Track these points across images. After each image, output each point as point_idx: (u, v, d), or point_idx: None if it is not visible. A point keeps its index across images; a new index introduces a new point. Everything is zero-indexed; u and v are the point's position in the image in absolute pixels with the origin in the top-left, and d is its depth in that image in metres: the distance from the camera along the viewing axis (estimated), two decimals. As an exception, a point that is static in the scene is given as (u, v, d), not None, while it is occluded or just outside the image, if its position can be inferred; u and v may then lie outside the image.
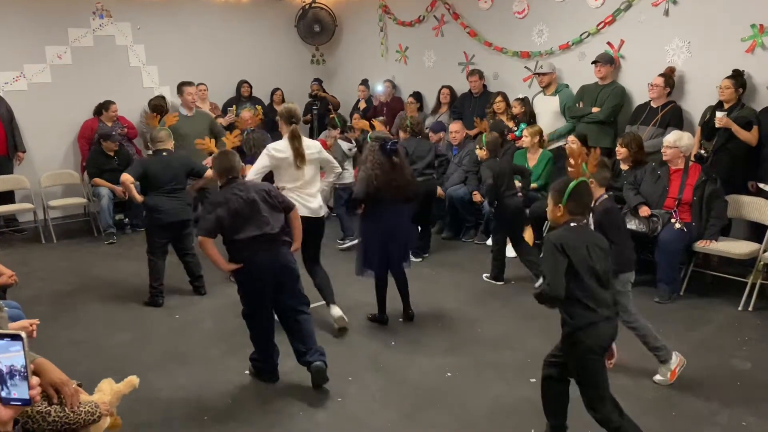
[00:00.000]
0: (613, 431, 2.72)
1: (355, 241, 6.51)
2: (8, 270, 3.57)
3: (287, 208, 3.69)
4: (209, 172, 5.17)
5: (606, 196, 3.58)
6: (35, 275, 5.75)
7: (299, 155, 4.23)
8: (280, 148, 4.26)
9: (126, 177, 4.84)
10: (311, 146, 4.42)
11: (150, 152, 5.33)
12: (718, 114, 4.92)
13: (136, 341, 4.37)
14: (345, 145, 6.68)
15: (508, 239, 5.31)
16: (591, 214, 3.44)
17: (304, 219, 4.04)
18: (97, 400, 2.46)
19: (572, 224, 2.71)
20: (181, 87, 6.68)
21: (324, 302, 4.53)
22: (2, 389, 1.23)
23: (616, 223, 3.51)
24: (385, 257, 4.37)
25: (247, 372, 3.82)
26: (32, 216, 7.33)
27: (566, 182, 2.76)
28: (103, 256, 6.46)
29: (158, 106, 7.67)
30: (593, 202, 3.50)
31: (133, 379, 2.72)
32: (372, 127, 5.66)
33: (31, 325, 2.67)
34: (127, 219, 7.44)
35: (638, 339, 3.60)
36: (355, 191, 4.31)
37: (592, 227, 3.43)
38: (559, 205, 2.73)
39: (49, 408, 2.20)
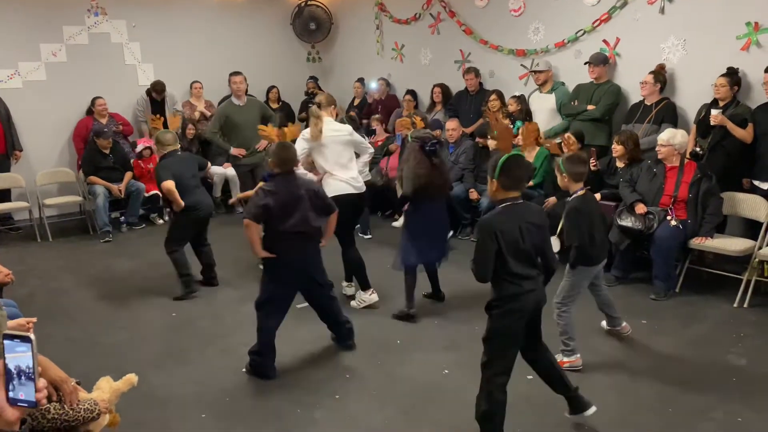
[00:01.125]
0: (486, 397, 2.87)
1: (369, 236, 6.61)
2: (5, 268, 3.55)
3: (330, 210, 3.93)
4: (210, 166, 5.37)
5: (580, 192, 3.60)
6: (31, 274, 5.74)
7: (316, 132, 4.58)
8: (308, 131, 4.66)
9: (170, 184, 4.83)
10: (342, 129, 4.76)
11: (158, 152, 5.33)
12: (713, 112, 4.94)
13: (133, 339, 4.36)
14: None
15: None
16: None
17: (348, 196, 4.53)
18: (95, 398, 2.46)
19: (506, 203, 2.80)
20: (229, 78, 6.76)
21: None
22: (10, 390, 1.24)
23: (578, 223, 3.56)
24: (425, 253, 4.53)
25: (243, 370, 3.82)
26: (27, 214, 7.30)
27: (499, 157, 2.83)
28: (99, 254, 6.45)
29: (159, 84, 7.81)
30: (569, 196, 3.64)
31: (132, 377, 2.72)
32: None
33: (27, 323, 2.67)
34: (123, 217, 7.42)
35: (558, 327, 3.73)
36: (404, 189, 4.45)
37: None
38: (493, 179, 2.82)
39: (48, 405, 2.20)
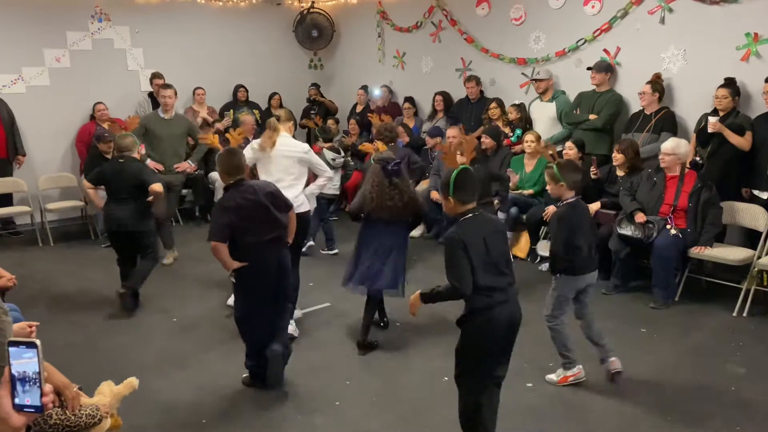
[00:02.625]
0: (465, 411, 2.84)
1: (335, 251, 6.42)
2: (7, 273, 3.57)
3: (287, 208, 3.77)
4: (157, 186, 4.88)
5: (571, 200, 3.57)
6: (32, 278, 5.74)
7: (268, 142, 4.43)
8: (257, 141, 4.52)
9: (84, 183, 4.92)
10: (297, 146, 4.58)
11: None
12: (711, 119, 4.96)
13: (134, 344, 4.37)
14: (329, 155, 6.43)
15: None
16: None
17: None
18: (97, 402, 2.48)
19: (467, 216, 2.78)
20: (158, 89, 6.58)
21: (326, 304, 4.56)
22: (16, 396, 1.25)
23: (564, 229, 3.52)
24: (368, 276, 4.24)
25: (243, 383, 3.76)
26: (29, 219, 7.32)
27: (449, 174, 2.81)
28: (100, 259, 6.43)
29: (158, 74, 7.79)
30: (560, 201, 3.60)
31: (133, 381, 2.73)
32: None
33: (30, 327, 2.68)
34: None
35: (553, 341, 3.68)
36: (351, 205, 4.39)
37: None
38: (449, 197, 2.80)
39: (50, 411, 2.22)
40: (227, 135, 4.92)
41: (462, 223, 2.77)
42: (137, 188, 4.87)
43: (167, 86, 6.49)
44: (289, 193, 4.34)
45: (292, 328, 4.32)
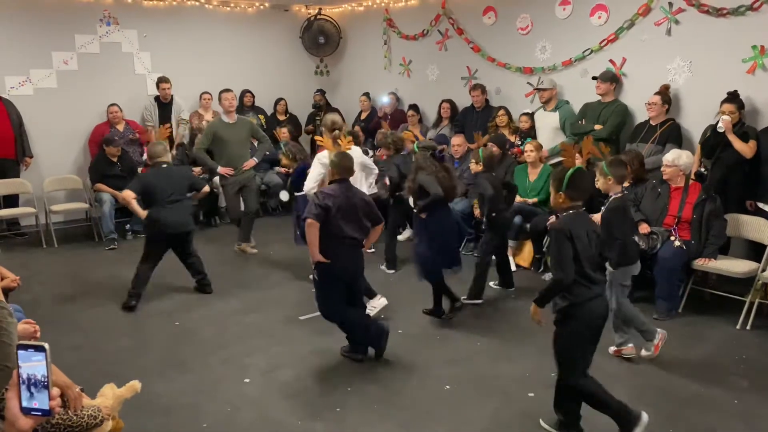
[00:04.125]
0: (583, 395, 3.05)
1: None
2: (11, 273, 3.59)
3: (377, 221, 4.10)
4: (207, 188, 5.39)
5: (620, 194, 3.84)
6: (35, 279, 5.76)
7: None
8: (326, 155, 4.76)
9: (128, 193, 5.01)
10: (356, 152, 4.85)
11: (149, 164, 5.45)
12: (724, 118, 4.93)
13: (136, 347, 4.38)
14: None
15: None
16: (603, 207, 3.88)
17: None
18: (99, 404, 2.48)
19: (573, 211, 2.98)
20: (219, 94, 6.81)
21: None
22: (24, 399, 1.25)
23: (622, 221, 3.80)
24: (444, 258, 4.69)
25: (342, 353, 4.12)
26: (34, 220, 7.35)
27: (564, 171, 3.01)
28: (104, 261, 6.47)
29: (164, 78, 7.89)
30: (607, 198, 3.85)
31: (135, 384, 2.74)
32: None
33: (33, 328, 2.70)
34: (128, 225, 7.45)
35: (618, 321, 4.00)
36: (433, 192, 4.57)
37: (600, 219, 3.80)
38: (560, 192, 2.99)
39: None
40: (339, 141, 5.05)
41: (570, 215, 2.96)
42: (186, 190, 5.24)
43: (227, 90, 6.70)
44: None
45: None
